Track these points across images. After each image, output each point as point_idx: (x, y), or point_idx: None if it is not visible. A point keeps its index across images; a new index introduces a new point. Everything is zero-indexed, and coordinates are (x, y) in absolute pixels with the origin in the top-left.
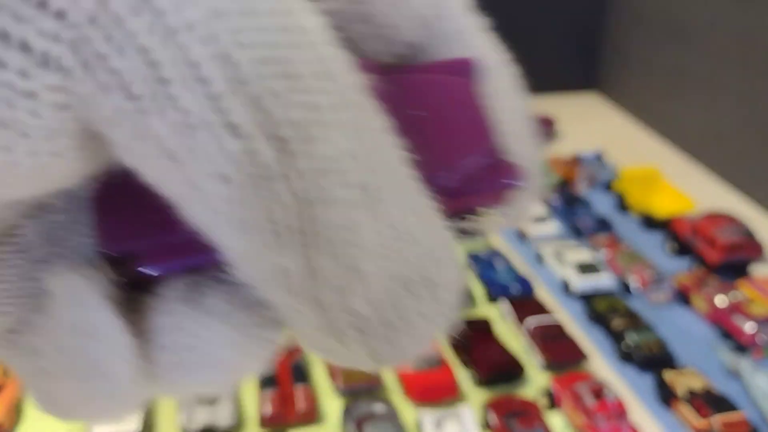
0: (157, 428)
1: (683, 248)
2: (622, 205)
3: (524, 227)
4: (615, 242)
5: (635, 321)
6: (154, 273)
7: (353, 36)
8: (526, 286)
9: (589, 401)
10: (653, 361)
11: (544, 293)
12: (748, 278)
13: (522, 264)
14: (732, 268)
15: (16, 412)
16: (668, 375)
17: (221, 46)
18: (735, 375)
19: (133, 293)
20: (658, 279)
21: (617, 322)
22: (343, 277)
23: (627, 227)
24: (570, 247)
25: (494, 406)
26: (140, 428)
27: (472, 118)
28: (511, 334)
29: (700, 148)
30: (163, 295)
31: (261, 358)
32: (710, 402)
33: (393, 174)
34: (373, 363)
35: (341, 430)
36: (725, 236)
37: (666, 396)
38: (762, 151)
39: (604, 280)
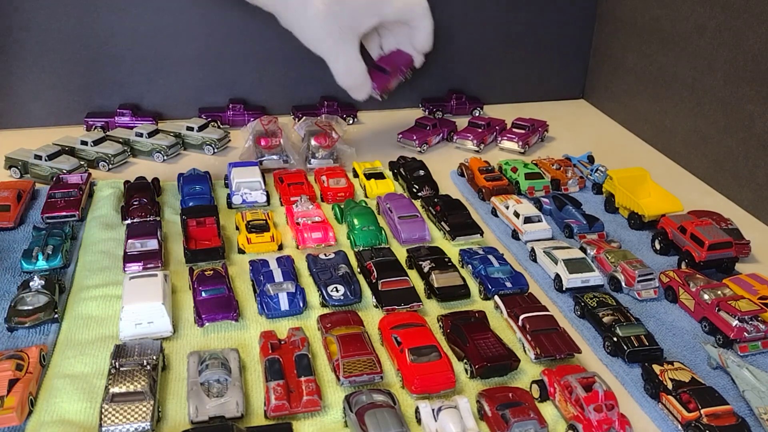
0: (166, 421)
1: (671, 246)
2: (612, 205)
3: (518, 227)
4: (604, 241)
5: (624, 316)
6: None
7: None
8: (519, 282)
9: (580, 393)
10: (642, 354)
11: (536, 290)
12: (734, 275)
13: (515, 262)
14: (719, 266)
15: (29, 404)
16: (656, 368)
17: None
18: (722, 369)
19: None
20: (646, 276)
21: (607, 318)
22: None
23: (616, 226)
24: (561, 245)
25: (487, 397)
26: (150, 421)
27: (407, 58)
28: (505, 329)
29: (684, 152)
30: None
31: None
32: (697, 395)
33: None
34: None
35: (343, 420)
36: (712, 235)
37: (654, 389)
38: (745, 155)
39: (594, 277)
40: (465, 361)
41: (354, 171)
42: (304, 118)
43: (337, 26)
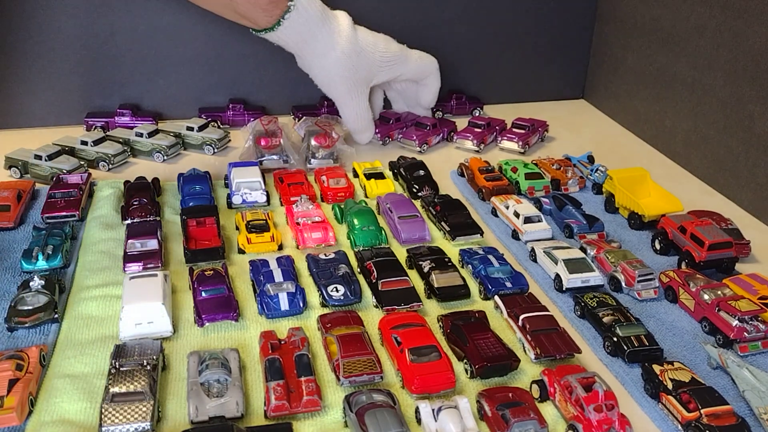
0: (166, 421)
1: (671, 246)
2: (612, 205)
3: (518, 227)
4: (604, 240)
5: (624, 316)
6: None
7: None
8: (519, 282)
9: (580, 393)
10: (642, 354)
11: (536, 290)
12: (734, 275)
13: (515, 262)
14: (719, 266)
15: (29, 404)
16: (656, 368)
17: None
18: (722, 369)
19: None
20: (646, 276)
21: (607, 318)
22: None
23: (616, 226)
24: (561, 245)
25: (487, 397)
26: (150, 421)
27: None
28: (505, 329)
29: (684, 152)
30: None
31: None
32: (697, 395)
33: None
34: None
35: (343, 420)
36: (712, 235)
37: (654, 389)
38: (745, 155)
39: (594, 277)
40: (465, 361)
41: (354, 171)
42: (304, 118)
43: (353, 77)
